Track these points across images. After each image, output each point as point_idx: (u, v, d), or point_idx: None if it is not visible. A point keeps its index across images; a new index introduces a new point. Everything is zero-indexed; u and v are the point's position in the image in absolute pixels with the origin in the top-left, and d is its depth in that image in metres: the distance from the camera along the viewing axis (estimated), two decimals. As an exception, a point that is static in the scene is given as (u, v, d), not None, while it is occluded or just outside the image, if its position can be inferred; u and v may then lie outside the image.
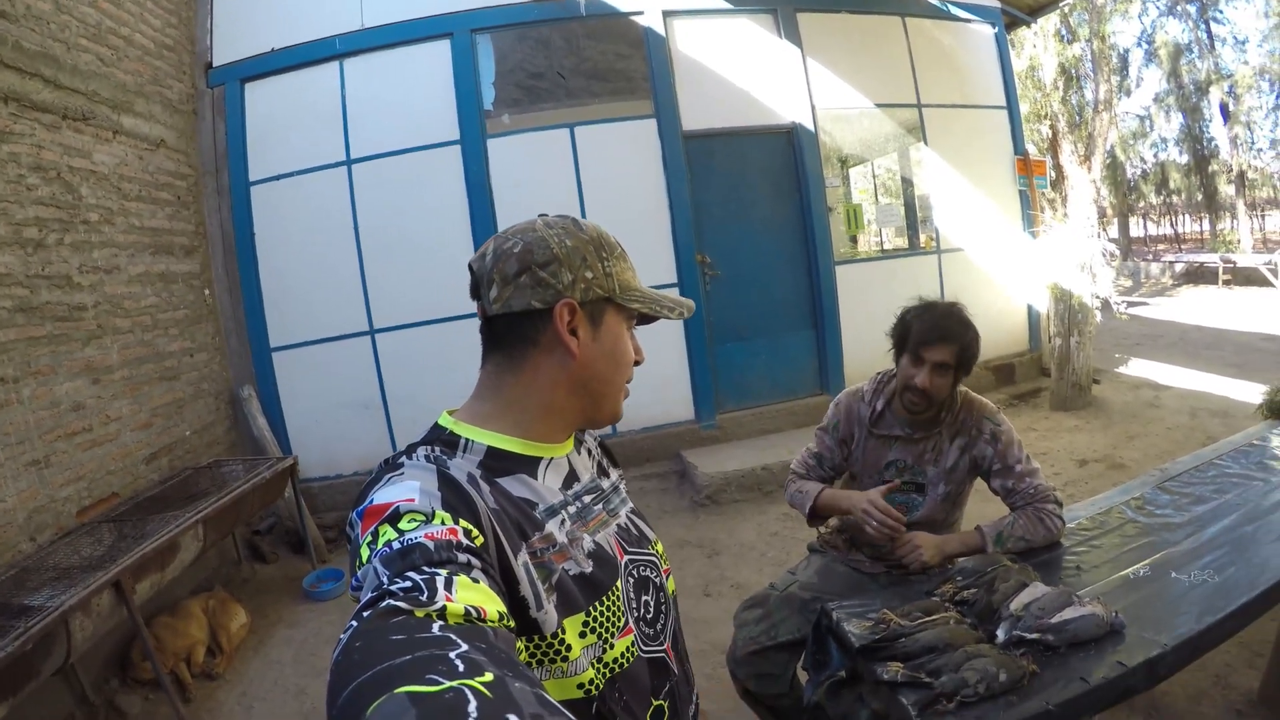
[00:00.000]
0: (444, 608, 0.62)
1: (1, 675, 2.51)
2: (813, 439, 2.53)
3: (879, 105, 6.67)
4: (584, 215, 5.57)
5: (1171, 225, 25.93)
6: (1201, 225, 23.11)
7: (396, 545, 0.73)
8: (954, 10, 6.90)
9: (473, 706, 0.45)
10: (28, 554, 3.44)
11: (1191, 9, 17.77)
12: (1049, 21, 12.26)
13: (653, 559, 1.14)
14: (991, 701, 1.53)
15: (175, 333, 5.05)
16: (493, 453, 0.98)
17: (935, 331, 2.15)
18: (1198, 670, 2.67)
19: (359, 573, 0.75)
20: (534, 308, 0.97)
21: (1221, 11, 17.71)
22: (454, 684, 0.48)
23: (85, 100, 4.33)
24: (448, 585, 0.66)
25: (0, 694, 2.56)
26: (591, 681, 0.94)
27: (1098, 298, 6.62)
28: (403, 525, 0.77)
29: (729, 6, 6.24)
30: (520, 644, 0.88)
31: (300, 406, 5.91)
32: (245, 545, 5.14)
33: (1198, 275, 15.89)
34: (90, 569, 3.19)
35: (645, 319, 1.10)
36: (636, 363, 1.10)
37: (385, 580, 0.68)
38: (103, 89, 4.51)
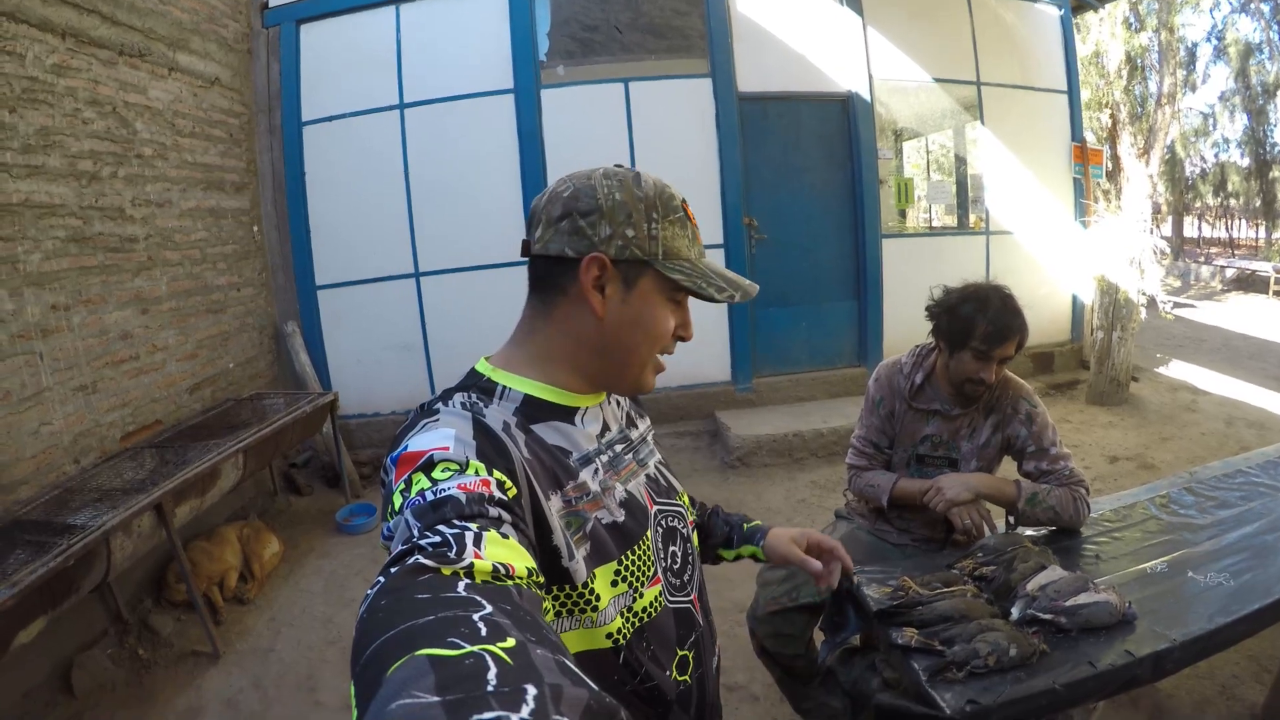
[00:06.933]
0: (471, 565, 0.62)
1: (43, 590, 2.60)
2: (859, 424, 2.50)
3: (937, 80, 6.52)
4: (634, 171, 5.60)
5: (1227, 229, 25.15)
6: (1258, 232, 22.41)
7: (429, 496, 0.73)
8: (1020, -12, 6.71)
9: (492, 674, 0.44)
10: (72, 475, 3.53)
11: (1265, 8, 17.08)
12: (1117, 7, 11.88)
13: (680, 510, 1.15)
14: (1000, 675, 1.57)
15: (223, 267, 5.13)
16: (529, 400, 0.98)
17: (1004, 330, 2.11)
18: (1205, 678, 2.68)
19: (390, 522, 0.75)
20: (567, 255, 0.95)
21: (1295, 14, 17.03)
22: (475, 649, 0.47)
23: (141, 37, 4.36)
24: (477, 541, 0.66)
25: (41, 607, 2.65)
26: (620, 630, 0.94)
27: (1144, 294, 6.46)
28: (436, 474, 0.77)
29: (790, -32, 6.12)
30: (548, 600, 0.88)
31: (342, 344, 5.99)
32: (282, 477, 5.27)
33: (1249, 282, 15.47)
34: (132, 492, 3.28)
35: (688, 293, 1.00)
36: (680, 338, 1.03)
37: (416, 534, 0.68)
38: (159, 26, 4.53)
